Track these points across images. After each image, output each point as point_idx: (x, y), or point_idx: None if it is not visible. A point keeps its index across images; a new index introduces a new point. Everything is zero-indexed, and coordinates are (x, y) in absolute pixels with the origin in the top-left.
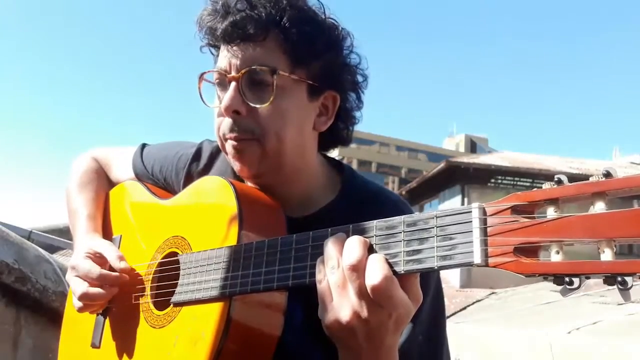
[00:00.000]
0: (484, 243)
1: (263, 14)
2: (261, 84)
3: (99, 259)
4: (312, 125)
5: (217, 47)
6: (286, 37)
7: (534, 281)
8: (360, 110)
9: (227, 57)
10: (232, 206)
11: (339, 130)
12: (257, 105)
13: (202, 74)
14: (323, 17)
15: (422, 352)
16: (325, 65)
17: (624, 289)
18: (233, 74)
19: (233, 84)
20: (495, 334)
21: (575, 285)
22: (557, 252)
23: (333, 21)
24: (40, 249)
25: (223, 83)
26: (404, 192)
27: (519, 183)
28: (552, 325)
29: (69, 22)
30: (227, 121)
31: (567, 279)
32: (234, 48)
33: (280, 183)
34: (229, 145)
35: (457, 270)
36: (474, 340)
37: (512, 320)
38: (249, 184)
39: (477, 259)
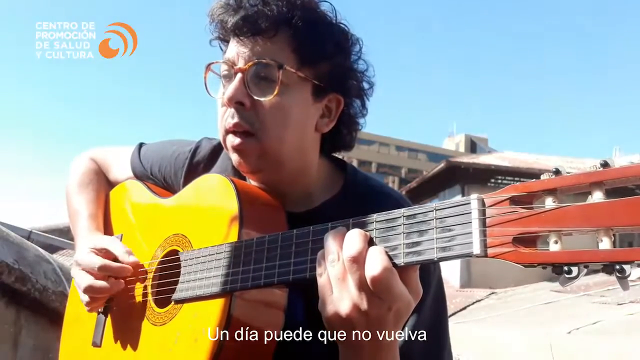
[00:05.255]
0: (483, 234)
1: (275, 11)
2: (267, 78)
3: (104, 254)
4: (315, 127)
5: (227, 41)
6: (296, 36)
7: (533, 281)
8: (365, 118)
9: (235, 50)
10: (232, 204)
11: (341, 135)
12: (261, 98)
13: (209, 64)
14: (334, 20)
15: (423, 353)
16: (332, 67)
17: (622, 277)
18: (240, 65)
19: (239, 75)
20: (495, 334)
21: (574, 274)
22: (556, 242)
23: (344, 26)
24: (40, 249)
25: (229, 75)
26: (404, 192)
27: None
28: (552, 325)
29: None
30: (229, 112)
31: (565, 268)
32: (244, 41)
33: (281, 181)
34: (229, 139)
35: (457, 271)
36: (474, 340)
37: (512, 320)
38: (250, 181)
39: (476, 249)
